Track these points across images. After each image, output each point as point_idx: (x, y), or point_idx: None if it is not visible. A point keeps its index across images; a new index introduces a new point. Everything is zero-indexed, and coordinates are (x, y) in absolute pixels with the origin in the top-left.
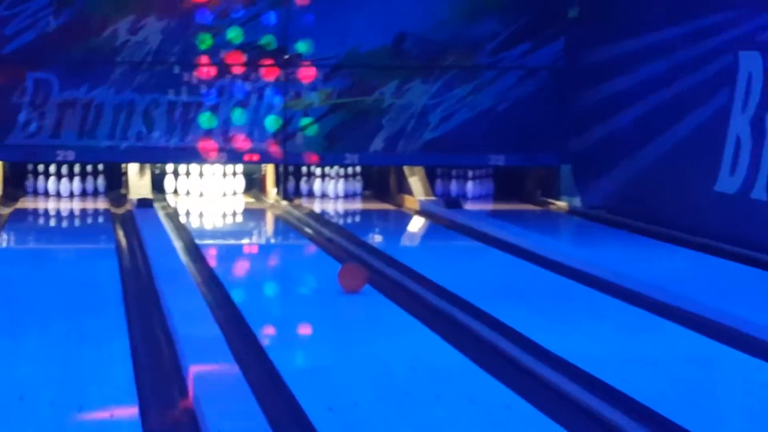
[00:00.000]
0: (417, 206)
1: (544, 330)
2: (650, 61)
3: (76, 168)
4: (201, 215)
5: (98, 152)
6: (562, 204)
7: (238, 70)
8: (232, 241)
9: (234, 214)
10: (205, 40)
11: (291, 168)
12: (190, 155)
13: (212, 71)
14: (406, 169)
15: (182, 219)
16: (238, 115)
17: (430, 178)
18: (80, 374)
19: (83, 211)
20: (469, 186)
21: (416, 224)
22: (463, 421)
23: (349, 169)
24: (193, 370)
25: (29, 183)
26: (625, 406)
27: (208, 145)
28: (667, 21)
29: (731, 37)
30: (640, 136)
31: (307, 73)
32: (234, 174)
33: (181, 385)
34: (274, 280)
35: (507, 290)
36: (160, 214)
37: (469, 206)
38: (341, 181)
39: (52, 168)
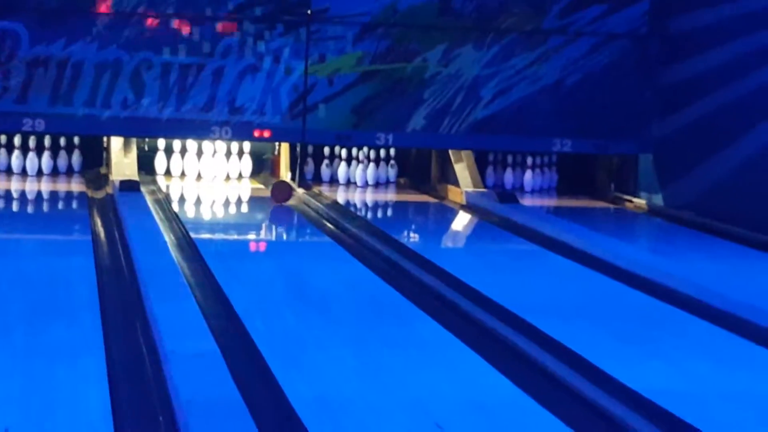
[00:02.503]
0: (463, 199)
1: (617, 358)
2: (754, 29)
3: (47, 141)
4: (198, 203)
5: (74, 122)
6: (640, 202)
7: (249, 26)
8: (235, 236)
9: (238, 202)
10: None
11: (310, 148)
12: (187, 129)
13: (218, 26)
14: (451, 153)
15: (175, 207)
16: (248, 82)
17: (480, 165)
18: (44, 397)
19: (53, 194)
20: (528, 176)
21: (461, 221)
22: None
23: (382, 152)
24: (183, 394)
25: None
26: None
27: (210, 116)
28: None
29: None
30: (739, 120)
31: (333, 33)
32: (240, 154)
33: (167, 413)
34: (285, 286)
35: (571, 307)
36: (148, 200)
37: (526, 201)
38: (371, 166)
39: (17, 140)
